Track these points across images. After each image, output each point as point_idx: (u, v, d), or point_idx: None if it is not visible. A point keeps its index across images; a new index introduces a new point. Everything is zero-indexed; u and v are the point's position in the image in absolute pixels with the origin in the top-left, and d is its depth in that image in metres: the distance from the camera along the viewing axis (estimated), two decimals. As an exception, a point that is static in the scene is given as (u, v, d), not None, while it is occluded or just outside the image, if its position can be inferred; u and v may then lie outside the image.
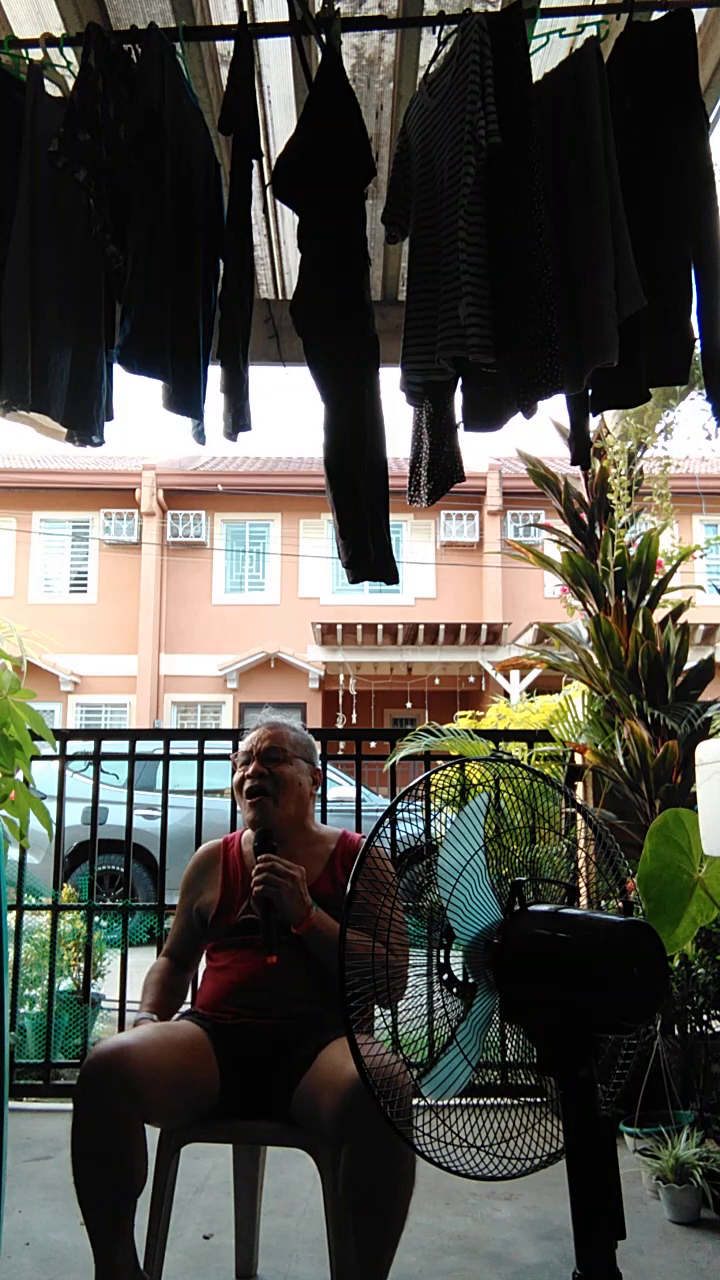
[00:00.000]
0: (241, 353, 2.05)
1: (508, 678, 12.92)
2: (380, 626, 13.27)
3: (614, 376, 1.93)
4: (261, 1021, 1.84)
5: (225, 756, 3.42)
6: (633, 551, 3.25)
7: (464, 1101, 1.49)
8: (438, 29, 2.07)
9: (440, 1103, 1.47)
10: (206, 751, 3.48)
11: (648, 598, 3.24)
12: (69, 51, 2.18)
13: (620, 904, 1.56)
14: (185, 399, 2.07)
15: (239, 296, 2.03)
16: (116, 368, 2.06)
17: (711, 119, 2.50)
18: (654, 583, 3.24)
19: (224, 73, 2.52)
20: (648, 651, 3.03)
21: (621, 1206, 1.32)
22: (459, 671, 14.14)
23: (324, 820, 2.86)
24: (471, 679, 14.21)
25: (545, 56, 2.11)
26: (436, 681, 14.24)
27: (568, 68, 1.96)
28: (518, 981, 1.41)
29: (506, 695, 12.03)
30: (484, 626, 13.37)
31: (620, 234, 1.84)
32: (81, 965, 3.59)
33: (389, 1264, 1.58)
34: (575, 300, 1.88)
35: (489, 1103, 1.54)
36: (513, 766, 1.75)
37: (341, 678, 14.16)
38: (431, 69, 2.05)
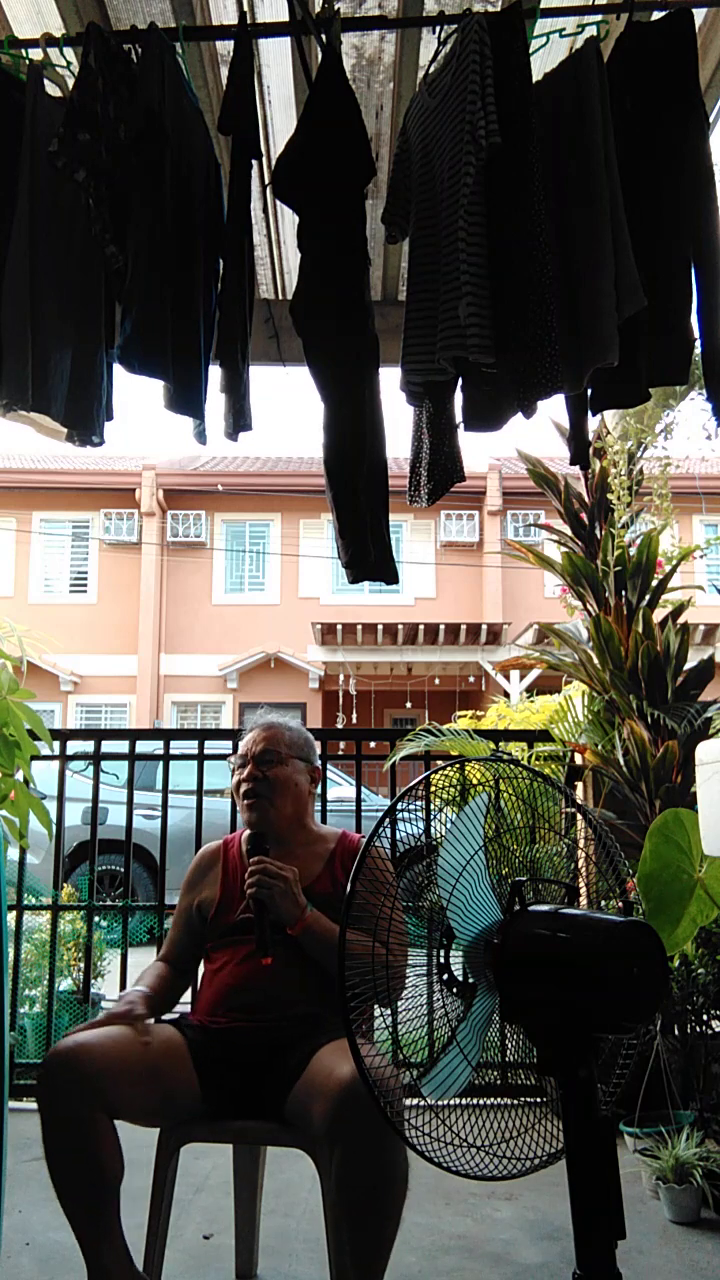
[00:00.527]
0: (242, 353, 2.05)
1: (508, 678, 12.92)
2: (380, 626, 13.27)
3: (614, 376, 1.93)
4: (255, 1024, 1.83)
5: (225, 756, 3.41)
6: (633, 551, 3.25)
7: (464, 1101, 1.49)
8: (438, 29, 2.07)
9: (440, 1103, 1.47)
10: (206, 751, 3.48)
11: (648, 598, 3.24)
12: (69, 51, 2.18)
13: (620, 904, 1.56)
14: (186, 399, 2.07)
15: (239, 296, 2.03)
16: (117, 368, 2.06)
17: (711, 119, 2.50)
18: (654, 583, 3.24)
19: (224, 73, 2.52)
20: (648, 651, 3.03)
21: (621, 1206, 1.32)
22: (459, 671, 14.14)
23: (324, 820, 2.86)
24: (471, 679, 14.21)
25: (545, 56, 2.11)
26: (436, 681, 14.24)
27: (568, 68, 1.96)
28: (518, 981, 1.41)
29: (506, 695, 12.03)
30: (484, 626, 13.37)
31: (620, 234, 1.84)
32: (81, 965, 3.59)
33: (384, 1267, 1.57)
34: (575, 300, 1.88)
35: (489, 1103, 1.54)
36: (513, 766, 1.75)
37: (341, 678, 14.16)
38: (431, 69, 2.05)
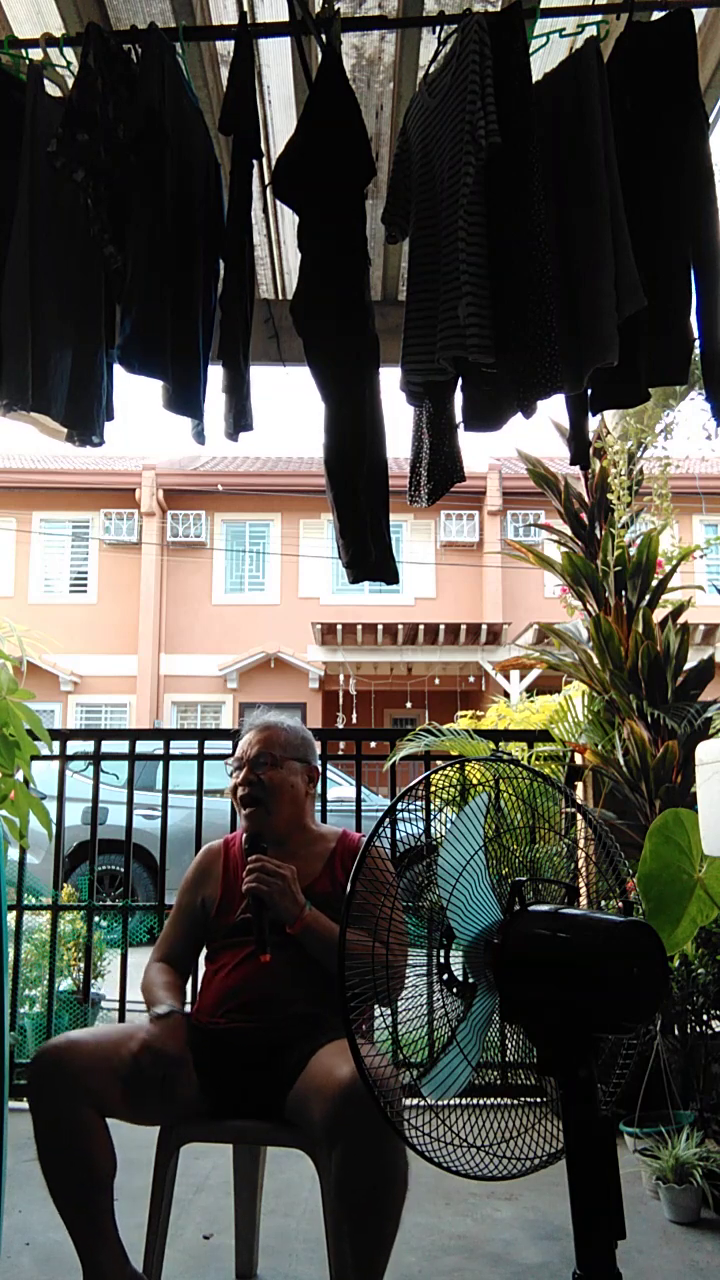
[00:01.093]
0: (242, 353, 2.05)
1: (508, 678, 12.92)
2: (380, 626, 13.27)
3: (614, 376, 1.93)
4: (254, 1025, 1.83)
5: (225, 756, 3.40)
6: (633, 551, 3.25)
7: (464, 1101, 1.49)
8: (438, 29, 2.07)
9: (440, 1103, 1.47)
10: (206, 751, 3.48)
11: (648, 598, 3.24)
12: (69, 51, 2.18)
13: (620, 904, 1.56)
14: (185, 399, 2.07)
15: (239, 296, 2.03)
16: (116, 367, 2.06)
17: (711, 119, 2.50)
18: (654, 583, 3.24)
19: (224, 73, 2.52)
20: (648, 651, 3.03)
21: (621, 1206, 1.32)
22: (459, 671, 14.14)
23: (324, 820, 2.86)
24: (471, 679, 14.21)
25: (545, 56, 2.11)
26: (436, 681, 14.24)
27: (568, 68, 1.96)
28: (518, 981, 1.41)
29: (506, 695, 12.03)
30: (484, 626, 13.37)
31: (620, 234, 1.84)
32: (81, 965, 3.59)
33: (384, 1266, 1.57)
34: (575, 300, 1.88)
35: (489, 1103, 1.54)
36: (513, 766, 1.75)
37: (341, 678, 14.16)
38: (431, 69, 2.05)
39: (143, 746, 3.59)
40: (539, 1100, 1.66)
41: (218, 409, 2.09)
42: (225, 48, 2.50)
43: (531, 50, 1.95)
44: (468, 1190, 2.49)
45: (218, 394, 2.08)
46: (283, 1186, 2.46)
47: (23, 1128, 2.85)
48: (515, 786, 1.70)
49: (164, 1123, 1.80)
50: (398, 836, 2.88)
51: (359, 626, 13.37)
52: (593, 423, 2.24)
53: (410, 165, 2.09)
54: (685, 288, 1.93)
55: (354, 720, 14.16)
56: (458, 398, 2.14)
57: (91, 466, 16.03)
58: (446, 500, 6.30)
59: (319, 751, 2.23)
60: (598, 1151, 1.33)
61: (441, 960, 1.51)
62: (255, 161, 2.06)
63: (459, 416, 2.16)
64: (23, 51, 2.17)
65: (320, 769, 2.18)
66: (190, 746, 3.64)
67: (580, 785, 3.34)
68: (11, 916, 3.29)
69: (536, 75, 1.96)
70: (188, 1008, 2.04)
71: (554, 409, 2.20)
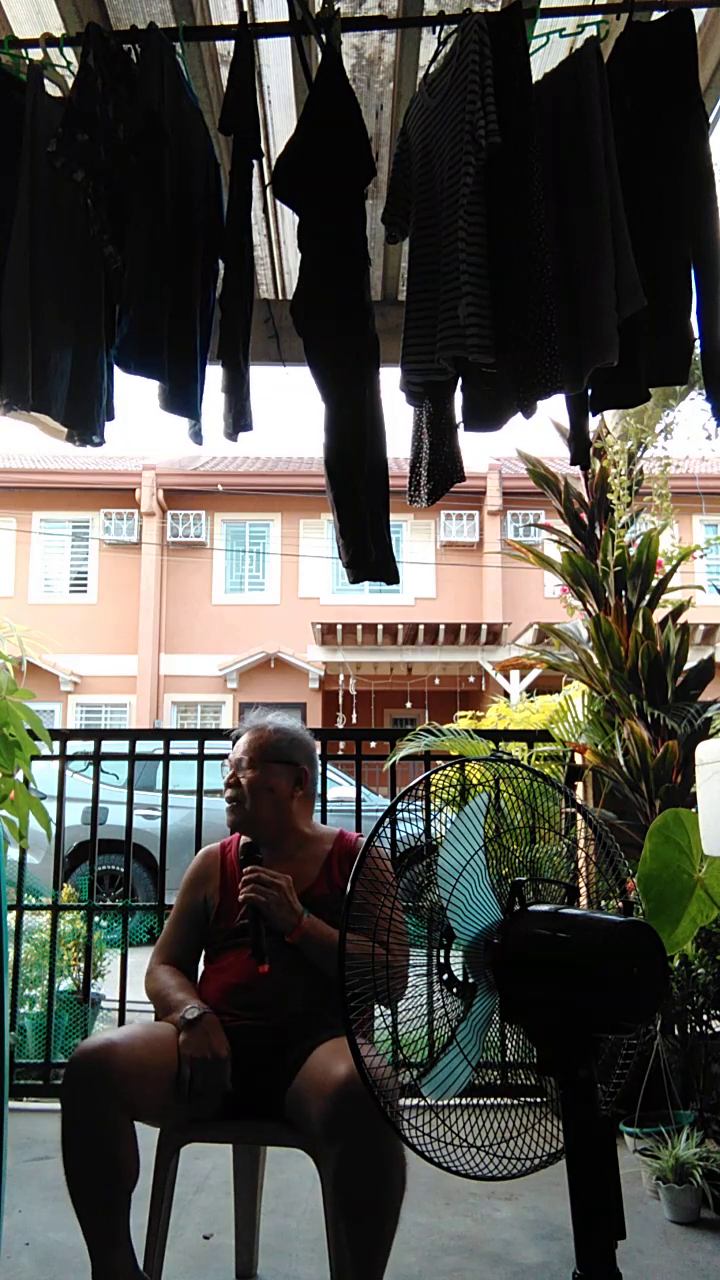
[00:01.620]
0: (243, 353, 2.05)
1: (508, 678, 12.92)
2: (380, 626, 13.27)
3: (614, 376, 1.93)
4: (255, 1023, 1.83)
5: (224, 756, 3.41)
6: (633, 551, 3.25)
7: (464, 1101, 1.49)
8: (438, 29, 2.07)
9: (440, 1103, 1.47)
10: (206, 751, 3.48)
11: (648, 598, 3.24)
12: (69, 51, 2.18)
13: (620, 904, 1.56)
14: (182, 399, 2.07)
15: (239, 296, 2.03)
16: (116, 367, 2.06)
17: (711, 119, 2.50)
18: (654, 583, 3.24)
19: (224, 73, 2.52)
20: (648, 651, 3.03)
21: (621, 1206, 1.32)
22: (459, 671, 14.14)
23: (324, 820, 2.86)
24: (471, 679, 14.21)
25: (545, 56, 2.11)
26: (436, 681, 14.24)
27: (568, 68, 1.96)
28: (518, 981, 1.41)
29: (506, 695, 12.02)
30: (484, 626, 13.37)
31: (620, 234, 1.84)
32: (81, 965, 3.59)
33: (384, 1265, 1.57)
34: (575, 300, 1.88)
35: (489, 1103, 1.54)
36: (513, 766, 1.75)
37: (341, 678, 14.16)
38: (431, 69, 2.05)
39: (143, 746, 3.59)
40: (539, 1100, 1.66)
41: (217, 409, 2.09)
42: (225, 48, 2.50)
43: (531, 50, 1.95)
44: (467, 1190, 2.49)
45: (217, 394, 2.08)
46: (283, 1186, 2.46)
47: (23, 1128, 2.85)
48: (515, 786, 1.70)
49: (181, 1122, 1.80)
50: (398, 837, 2.88)
51: (359, 626, 13.37)
52: (593, 423, 2.24)
53: (410, 165, 2.09)
54: (685, 288, 1.93)
55: (354, 720, 14.16)
56: (458, 398, 2.14)
57: (91, 466, 16.03)
58: (446, 500, 6.30)
59: (318, 752, 2.20)
60: (598, 1151, 1.33)
61: (441, 960, 1.51)
62: (255, 161, 2.06)
63: (459, 416, 2.16)
64: (23, 51, 2.17)
65: (314, 770, 2.13)
66: (190, 746, 3.64)
67: (580, 785, 3.34)
68: (11, 916, 3.29)
69: (536, 75, 1.96)
70: None
71: (554, 409, 2.21)
